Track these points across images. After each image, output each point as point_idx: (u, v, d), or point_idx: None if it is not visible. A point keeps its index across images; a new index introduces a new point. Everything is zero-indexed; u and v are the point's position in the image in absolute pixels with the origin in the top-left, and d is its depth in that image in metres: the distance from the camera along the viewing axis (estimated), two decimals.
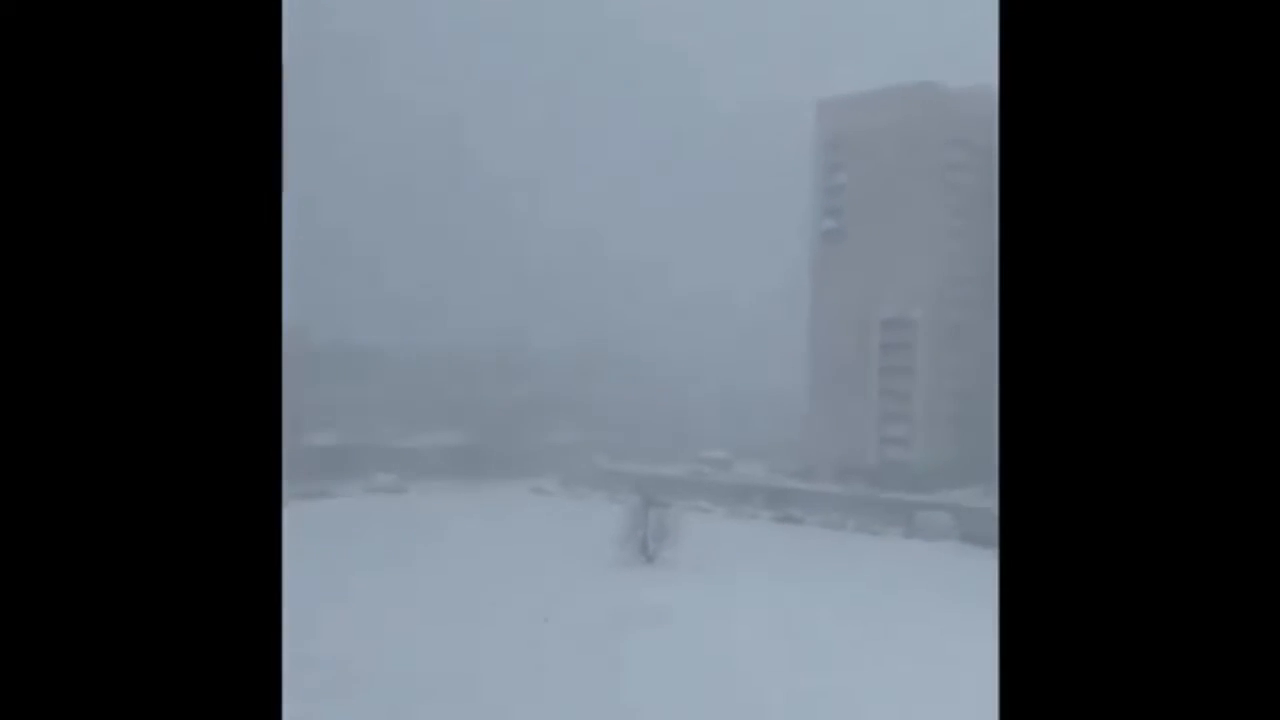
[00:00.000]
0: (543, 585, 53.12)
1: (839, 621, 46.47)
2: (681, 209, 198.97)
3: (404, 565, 58.95)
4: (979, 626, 26.38)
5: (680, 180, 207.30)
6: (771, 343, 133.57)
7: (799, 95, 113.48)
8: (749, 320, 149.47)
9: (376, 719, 29.92)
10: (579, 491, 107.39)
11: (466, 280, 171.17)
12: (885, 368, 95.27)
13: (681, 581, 55.24)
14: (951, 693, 33.59)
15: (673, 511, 66.45)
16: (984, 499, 74.66)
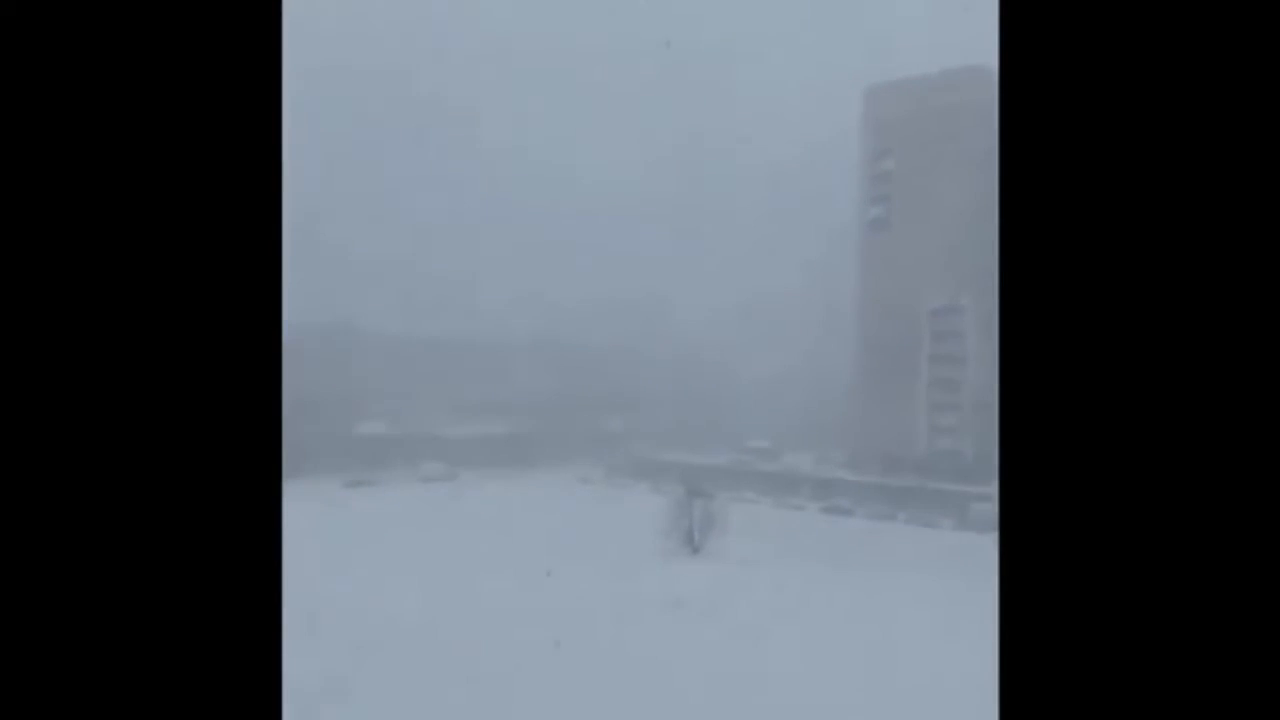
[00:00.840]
0: (590, 574, 53.42)
1: (895, 615, 46.05)
2: (725, 196, 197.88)
3: (451, 553, 59.66)
4: None
5: (724, 167, 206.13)
6: (818, 331, 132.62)
7: (846, 81, 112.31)
8: (794, 309, 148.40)
9: (421, 701, 30.33)
10: (623, 481, 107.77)
11: (512, 270, 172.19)
12: (934, 356, 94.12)
13: (729, 573, 55.16)
14: None
15: (718, 502, 66.36)
16: None
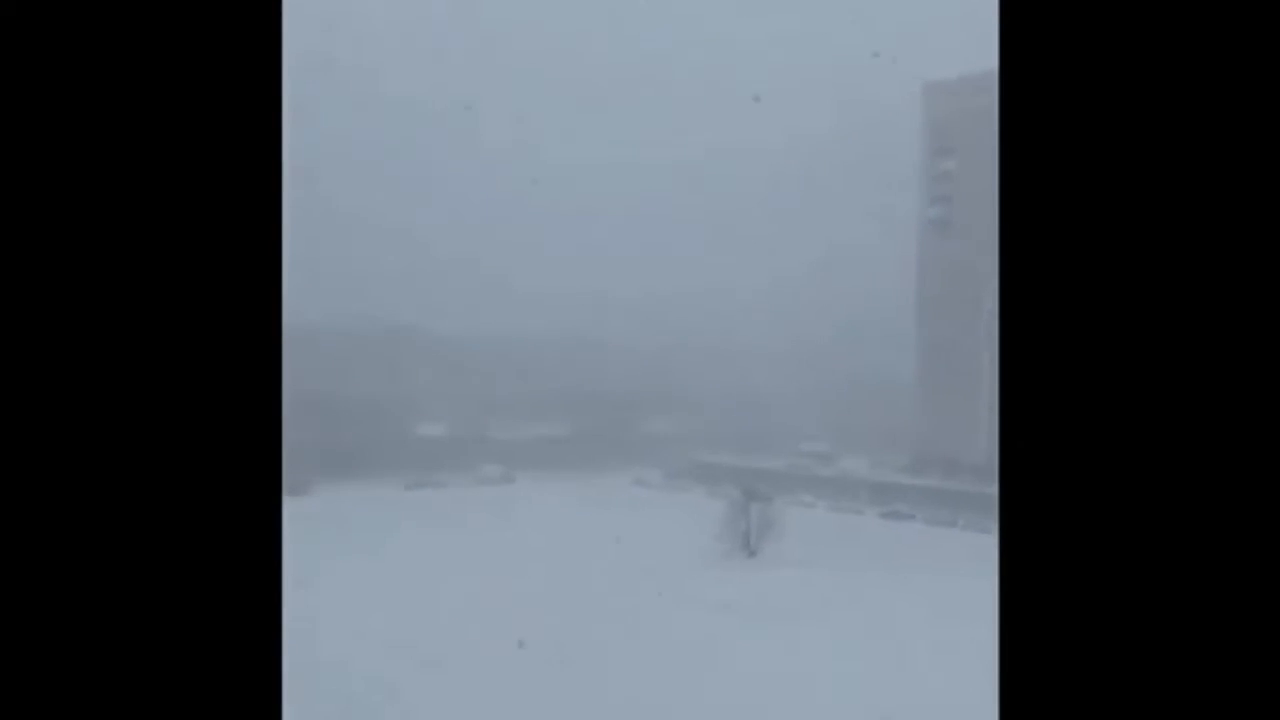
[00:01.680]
0: (647, 576, 53.53)
1: (954, 624, 45.31)
2: (783, 194, 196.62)
3: (509, 553, 60.25)
4: None
5: (783, 166, 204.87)
6: (876, 333, 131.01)
7: (904, 79, 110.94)
8: (851, 310, 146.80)
9: (479, 693, 30.72)
10: (680, 484, 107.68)
11: (566, 272, 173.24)
12: (996, 358, 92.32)
13: (786, 576, 54.82)
14: None
15: (775, 506, 65.97)
16: None
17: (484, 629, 40.79)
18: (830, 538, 69.89)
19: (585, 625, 42.19)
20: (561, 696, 31.81)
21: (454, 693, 31.80)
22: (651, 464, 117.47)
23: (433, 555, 59.14)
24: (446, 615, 43.06)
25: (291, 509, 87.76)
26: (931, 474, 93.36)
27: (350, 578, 51.57)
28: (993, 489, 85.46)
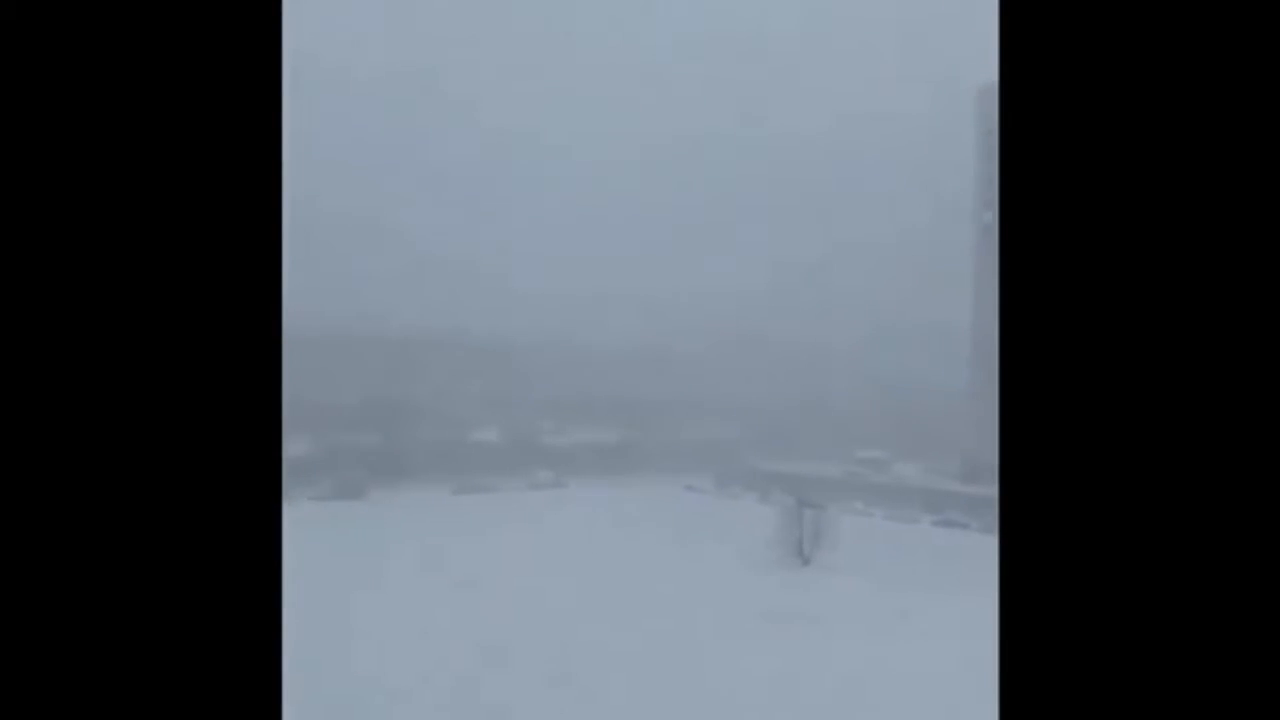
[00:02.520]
0: (698, 584, 53.59)
1: None
2: (838, 202, 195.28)
3: (558, 557, 60.75)
4: None
5: (835, 173, 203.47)
6: (930, 339, 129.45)
7: (958, 82, 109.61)
8: (905, 316, 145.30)
9: (532, 695, 31.10)
10: (732, 490, 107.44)
11: (616, 279, 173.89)
12: None
13: (839, 585, 54.46)
14: None
15: (828, 513, 65.56)
16: None
17: (535, 630, 41.22)
18: (884, 546, 69.22)
19: (635, 630, 42.41)
20: (610, 701, 32.07)
21: (517, 689, 32.26)
22: (703, 470, 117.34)
23: (485, 558, 59.89)
24: (502, 614, 43.62)
25: (347, 512, 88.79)
26: (984, 481, 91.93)
27: (404, 579, 52.47)
28: None
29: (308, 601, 46.44)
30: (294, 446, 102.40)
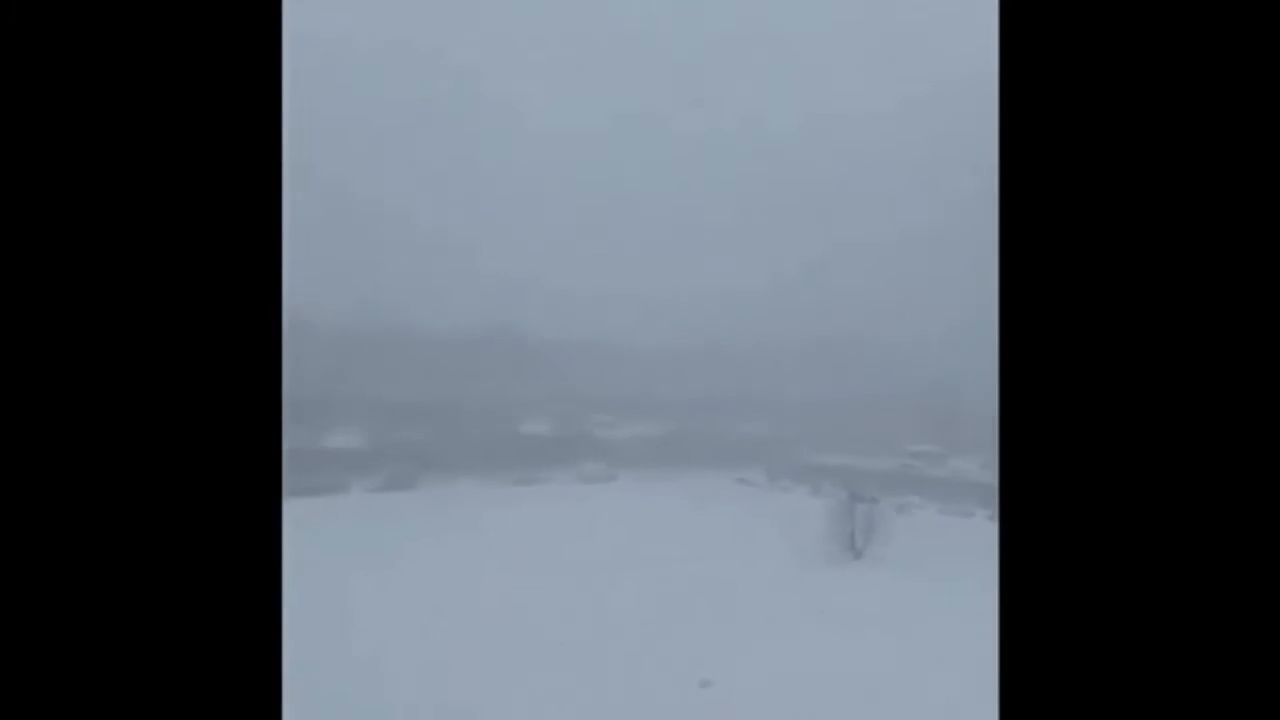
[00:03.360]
0: (750, 577, 53.11)
1: None
2: (891, 193, 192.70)
3: (608, 549, 60.66)
4: None
5: (868, 170, 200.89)
6: (985, 332, 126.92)
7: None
8: (960, 310, 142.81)
9: (580, 686, 30.96)
10: (783, 484, 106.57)
11: (666, 275, 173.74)
12: None
13: (893, 580, 53.62)
14: None
15: (881, 507, 64.58)
16: None
17: (585, 622, 41.13)
18: (939, 540, 68.03)
19: (687, 622, 42.10)
20: (661, 692, 31.81)
21: (568, 678, 32.17)
22: (754, 464, 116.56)
23: (536, 548, 60.03)
24: (555, 604, 43.62)
25: (398, 502, 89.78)
26: None
27: (445, 563, 52.79)
28: None
29: (364, 584, 46.94)
30: (347, 440, 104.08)
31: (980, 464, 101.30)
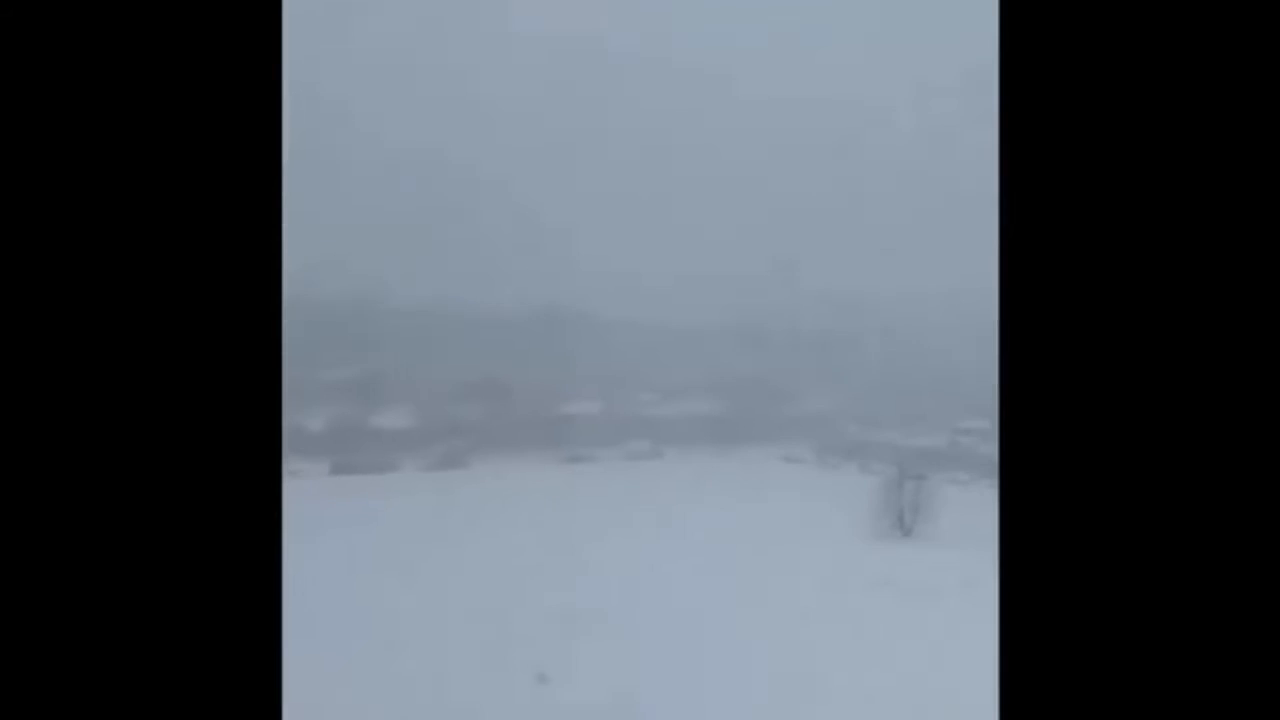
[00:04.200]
0: (798, 554, 53.22)
1: None
2: (940, 175, 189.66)
3: (659, 527, 61.09)
4: None
5: (947, 148, 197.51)
6: None
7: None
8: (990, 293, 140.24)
9: (630, 669, 31.39)
10: (831, 461, 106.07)
11: (715, 250, 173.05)
12: None
13: (943, 556, 53.34)
14: None
15: (930, 483, 64.11)
16: None
17: (640, 596, 41.59)
18: (988, 517, 67.17)
19: (736, 597, 42.38)
20: (715, 668, 32.15)
21: (617, 653, 32.65)
22: (801, 440, 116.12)
23: (589, 524, 60.69)
24: (611, 581, 44.15)
25: (451, 480, 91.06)
26: None
27: (506, 541, 53.63)
28: None
29: (430, 556, 47.94)
30: (397, 419, 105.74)
31: None
